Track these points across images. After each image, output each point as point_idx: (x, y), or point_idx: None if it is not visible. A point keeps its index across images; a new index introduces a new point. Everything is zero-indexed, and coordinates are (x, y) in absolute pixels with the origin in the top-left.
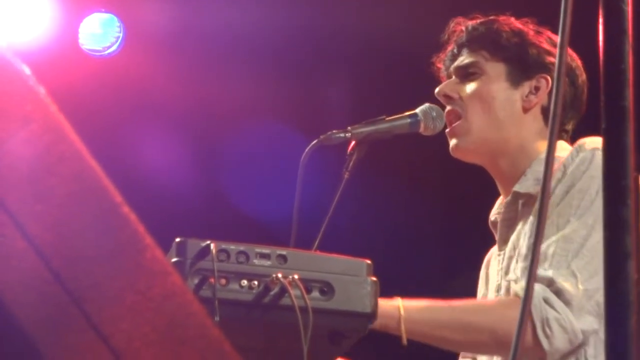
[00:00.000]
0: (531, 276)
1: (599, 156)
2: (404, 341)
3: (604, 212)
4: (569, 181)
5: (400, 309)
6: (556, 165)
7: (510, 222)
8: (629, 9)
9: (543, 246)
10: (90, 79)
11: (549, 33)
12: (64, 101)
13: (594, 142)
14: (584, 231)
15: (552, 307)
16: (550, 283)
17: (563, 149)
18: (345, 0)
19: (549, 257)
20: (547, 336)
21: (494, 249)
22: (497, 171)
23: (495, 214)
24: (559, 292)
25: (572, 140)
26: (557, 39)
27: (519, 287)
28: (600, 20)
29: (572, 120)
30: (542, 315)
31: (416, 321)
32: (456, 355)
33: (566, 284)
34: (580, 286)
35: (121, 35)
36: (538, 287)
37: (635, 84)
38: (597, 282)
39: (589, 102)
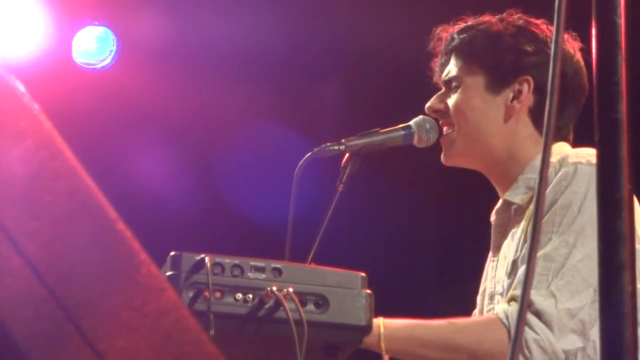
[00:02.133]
0: (524, 301)
1: (581, 170)
2: (385, 359)
3: (599, 224)
4: (551, 196)
5: (381, 327)
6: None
7: (502, 228)
8: (622, 21)
9: (523, 267)
10: (83, 92)
11: (532, 25)
12: (58, 115)
13: (578, 156)
14: (565, 250)
15: (531, 328)
16: (529, 304)
17: (558, 152)
18: (340, 11)
19: None
20: (525, 357)
21: None
22: (492, 176)
23: (493, 215)
24: (538, 313)
25: (575, 133)
26: (543, 28)
27: (499, 308)
28: (594, 32)
29: (570, 113)
30: None
31: (396, 339)
32: None
33: (545, 305)
34: (560, 306)
35: (115, 48)
36: (517, 308)
37: (629, 97)
38: (580, 301)
39: (584, 115)
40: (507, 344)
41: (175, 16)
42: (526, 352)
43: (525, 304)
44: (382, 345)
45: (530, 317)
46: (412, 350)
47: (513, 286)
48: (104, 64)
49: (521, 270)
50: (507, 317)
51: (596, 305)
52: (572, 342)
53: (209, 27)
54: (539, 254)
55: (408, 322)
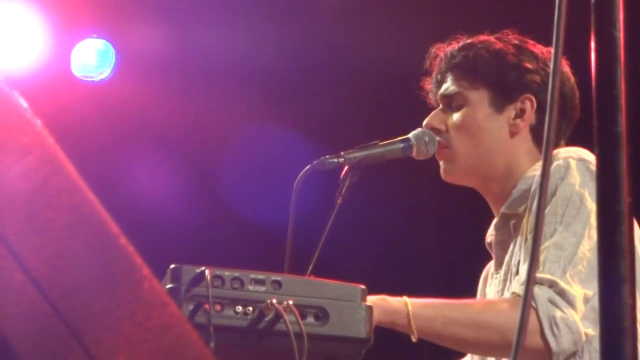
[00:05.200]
0: (530, 278)
1: (573, 164)
2: (415, 338)
3: (598, 237)
4: (548, 190)
5: (408, 305)
6: (532, 182)
7: (504, 244)
8: (621, 35)
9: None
10: (82, 105)
11: (530, 45)
12: (57, 128)
13: (568, 152)
14: (574, 239)
15: (556, 306)
16: (552, 284)
17: (560, 151)
18: (337, 22)
19: (542, 264)
20: (554, 335)
21: (490, 266)
22: (488, 193)
23: (490, 235)
24: (562, 293)
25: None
26: (541, 48)
27: (520, 289)
28: (593, 46)
29: (564, 132)
30: (549, 314)
31: (425, 317)
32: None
33: (566, 287)
34: (577, 289)
35: (114, 61)
36: (541, 289)
37: (628, 110)
38: (592, 289)
39: (584, 128)
40: (536, 322)
41: (174, 29)
42: (555, 329)
43: (530, 289)
44: (412, 323)
45: (555, 296)
46: (442, 329)
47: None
48: (103, 76)
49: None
50: (532, 297)
51: None
52: (587, 327)
53: (208, 39)
54: (548, 243)
55: (435, 301)
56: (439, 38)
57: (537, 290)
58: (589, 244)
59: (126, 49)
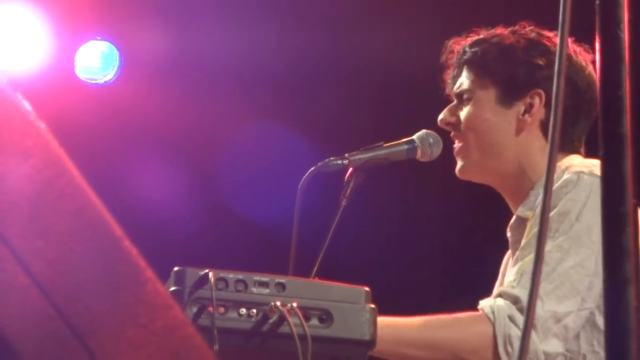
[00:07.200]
0: (533, 292)
1: (582, 179)
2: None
3: (603, 239)
4: (552, 202)
5: None
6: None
7: (519, 244)
8: (626, 36)
9: (516, 266)
10: (86, 107)
11: (545, 39)
12: (61, 130)
13: (582, 165)
14: (558, 255)
15: (516, 325)
16: (516, 301)
17: (570, 164)
18: (340, 23)
19: (518, 276)
20: (507, 354)
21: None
22: (505, 191)
23: (508, 232)
24: (524, 311)
25: (587, 146)
26: (555, 41)
27: (486, 303)
28: (598, 47)
29: (583, 126)
30: (505, 332)
31: (379, 339)
32: None
33: None
34: (546, 308)
35: (117, 63)
36: (503, 304)
37: (633, 111)
38: (568, 307)
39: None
40: (492, 338)
41: (178, 31)
42: (509, 347)
43: (532, 309)
44: None
45: (516, 314)
46: (395, 350)
47: (500, 282)
48: (106, 79)
49: (514, 269)
50: (493, 312)
51: (582, 314)
52: (554, 346)
53: (212, 42)
54: (531, 256)
55: (391, 321)
56: (445, 38)
57: (501, 304)
58: (573, 261)
59: (130, 51)
